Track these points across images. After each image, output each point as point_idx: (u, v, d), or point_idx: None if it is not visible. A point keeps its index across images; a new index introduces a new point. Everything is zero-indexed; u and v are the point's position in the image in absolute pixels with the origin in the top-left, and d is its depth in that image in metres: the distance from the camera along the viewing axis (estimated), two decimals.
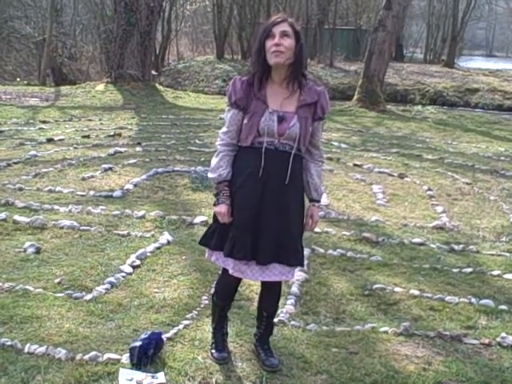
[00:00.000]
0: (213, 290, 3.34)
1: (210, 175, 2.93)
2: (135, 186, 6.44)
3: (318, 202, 3.08)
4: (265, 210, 2.85)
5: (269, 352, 3.12)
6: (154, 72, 17.75)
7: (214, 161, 2.91)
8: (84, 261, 4.34)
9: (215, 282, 3.20)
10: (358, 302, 3.92)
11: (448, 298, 3.96)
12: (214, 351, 3.14)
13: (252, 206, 2.85)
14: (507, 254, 4.87)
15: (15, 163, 7.22)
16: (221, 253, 2.93)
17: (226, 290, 3.13)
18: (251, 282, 4.01)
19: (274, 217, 2.86)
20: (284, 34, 2.78)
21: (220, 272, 3.16)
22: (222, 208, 2.87)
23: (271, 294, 3.11)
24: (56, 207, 5.49)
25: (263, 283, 3.08)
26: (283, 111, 2.84)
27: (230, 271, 2.91)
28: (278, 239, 2.87)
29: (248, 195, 2.86)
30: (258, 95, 2.84)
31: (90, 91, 14.86)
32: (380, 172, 7.67)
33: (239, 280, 3.07)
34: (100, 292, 3.82)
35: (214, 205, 2.93)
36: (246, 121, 2.85)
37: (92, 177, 6.73)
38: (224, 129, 2.93)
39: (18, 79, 19.63)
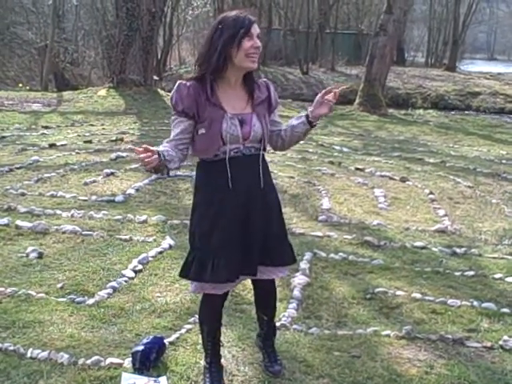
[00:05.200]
0: (194, 319, 3.18)
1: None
2: (137, 190, 6.45)
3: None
4: (251, 221, 2.69)
5: (273, 356, 3.09)
6: (155, 77, 17.77)
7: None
8: (86, 265, 4.35)
9: (199, 310, 2.96)
10: (360, 305, 3.91)
11: (450, 302, 3.95)
12: None
13: (238, 225, 2.67)
14: (509, 257, 4.86)
15: (17, 168, 7.23)
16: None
17: (214, 311, 2.91)
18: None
19: (259, 224, 2.71)
20: (259, 36, 2.64)
21: (201, 297, 2.92)
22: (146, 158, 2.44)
23: (264, 294, 3.02)
24: (58, 212, 5.50)
25: (254, 285, 3.02)
26: (241, 113, 2.67)
27: (212, 291, 2.73)
28: (263, 243, 2.74)
29: (229, 214, 2.66)
30: (212, 100, 2.61)
31: (92, 96, 14.88)
32: (382, 176, 7.67)
33: (226, 295, 2.89)
34: (102, 297, 3.83)
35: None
36: (203, 131, 2.62)
37: (94, 182, 6.74)
38: (170, 137, 2.70)
39: (20, 85, 19.66)
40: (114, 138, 9.55)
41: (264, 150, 2.75)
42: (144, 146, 2.47)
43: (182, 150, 2.68)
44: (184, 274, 2.77)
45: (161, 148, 2.58)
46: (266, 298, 3.06)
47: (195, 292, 2.82)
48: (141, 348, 3.03)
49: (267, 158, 2.87)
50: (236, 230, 2.68)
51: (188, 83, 2.65)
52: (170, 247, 4.74)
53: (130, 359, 3.05)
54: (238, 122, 2.63)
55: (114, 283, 4.02)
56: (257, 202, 2.71)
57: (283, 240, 2.87)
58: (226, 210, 2.67)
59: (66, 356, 3.08)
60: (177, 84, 2.68)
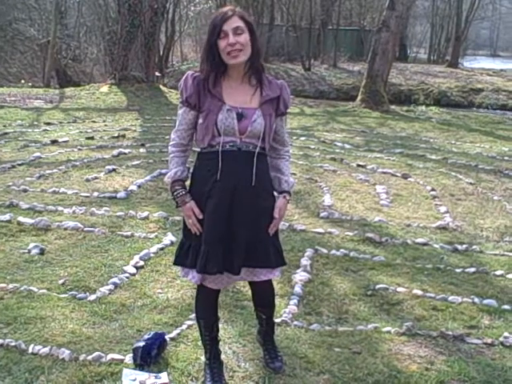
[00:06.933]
0: (194, 315, 3.11)
1: (164, 180, 2.78)
2: (139, 187, 6.46)
3: (288, 192, 2.84)
4: (235, 218, 2.66)
5: (273, 353, 3.09)
6: (157, 73, 17.78)
7: (169, 164, 2.81)
8: (88, 262, 4.36)
9: (194, 305, 2.99)
10: (361, 302, 3.92)
11: (451, 298, 3.96)
12: None
13: (222, 217, 2.66)
14: (510, 254, 4.86)
15: (19, 165, 7.25)
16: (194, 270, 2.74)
17: (208, 304, 2.91)
18: None
19: (244, 223, 2.67)
20: (237, 31, 2.58)
21: (196, 290, 2.94)
22: (187, 210, 2.70)
23: (261, 294, 3.00)
24: (60, 208, 5.51)
25: (250, 285, 2.99)
26: (243, 107, 2.64)
27: (209, 285, 2.77)
28: (248, 245, 2.69)
29: (217, 206, 2.65)
30: (213, 92, 2.63)
31: (94, 93, 14.89)
32: (383, 172, 7.67)
33: (219, 290, 2.90)
34: (104, 293, 3.84)
35: (177, 207, 2.78)
36: (201, 120, 2.66)
37: (96, 178, 6.75)
38: (175, 127, 2.79)
39: (23, 81, 19.67)
40: (116, 135, 9.56)
41: (263, 149, 2.72)
42: (195, 220, 2.69)
43: (184, 138, 2.78)
44: (180, 262, 2.80)
45: (171, 173, 2.78)
46: (262, 297, 3.04)
47: (197, 282, 2.79)
48: (142, 344, 3.04)
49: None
50: (220, 225, 2.67)
51: (195, 74, 2.70)
52: (172, 243, 4.75)
53: (131, 355, 3.06)
54: (235, 114, 2.62)
55: (115, 279, 4.03)
56: (243, 200, 2.67)
57: (270, 244, 2.78)
58: (211, 203, 2.67)
59: (67, 352, 3.09)
60: (186, 74, 2.74)
